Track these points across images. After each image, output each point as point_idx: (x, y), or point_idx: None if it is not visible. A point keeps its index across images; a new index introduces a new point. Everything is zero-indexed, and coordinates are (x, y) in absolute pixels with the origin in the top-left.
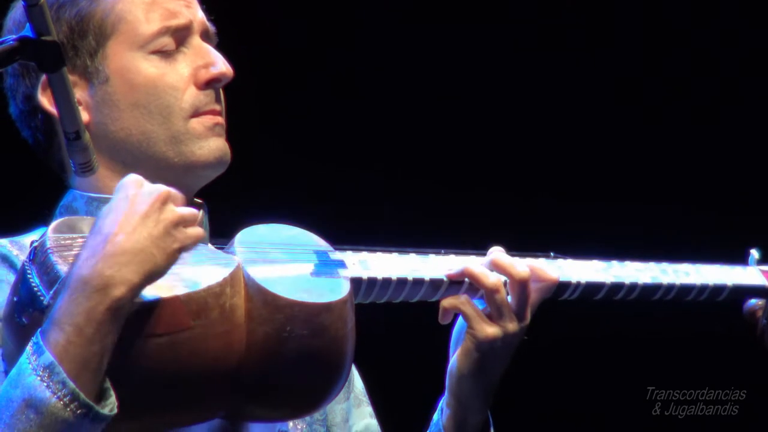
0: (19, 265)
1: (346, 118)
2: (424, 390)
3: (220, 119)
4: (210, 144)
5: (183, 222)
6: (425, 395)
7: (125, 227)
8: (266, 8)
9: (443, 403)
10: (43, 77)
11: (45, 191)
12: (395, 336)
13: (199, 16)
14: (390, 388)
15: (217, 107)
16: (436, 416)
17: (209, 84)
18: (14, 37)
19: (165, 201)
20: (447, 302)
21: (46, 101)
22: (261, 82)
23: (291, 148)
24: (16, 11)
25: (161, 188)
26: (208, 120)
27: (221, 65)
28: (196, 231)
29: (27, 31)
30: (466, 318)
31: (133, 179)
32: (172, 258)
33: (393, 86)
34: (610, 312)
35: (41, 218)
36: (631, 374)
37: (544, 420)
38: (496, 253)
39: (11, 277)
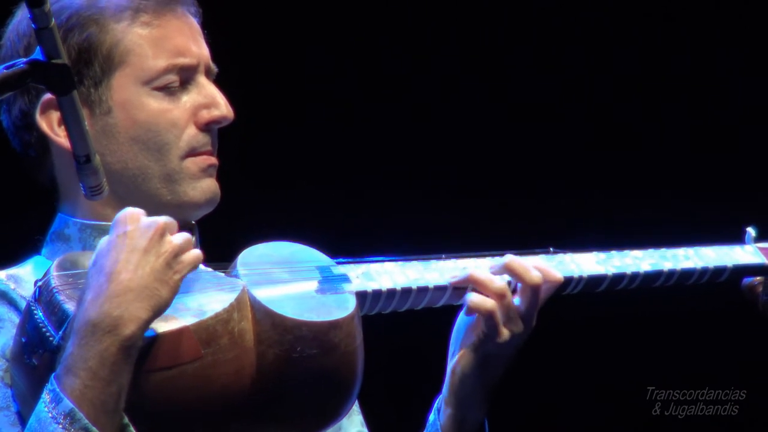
0: (18, 300)
1: (338, 128)
2: (413, 397)
3: (214, 160)
4: (202, 185)
5: (181, 251)
6: (414, 402)
7: (127, 265)
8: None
9: (441, 402)
10: (44, 98)
11: (34, 218)
12: (384, 342)
13: (204, 52)
14: (379, 394)
15: (212, 148)
16: (432, 416)
17: (209, 125)
18: (24, 60)
19: (163, 233)
20: (475, 303)
21: (45, 124)
22: (251, 90)
23: (284, 161)
24: (22, 22)
25: (158, 221)
26: (203, 161)
27: (224, 108)
28: (193, 256)
29: (37, 54)
30: (489, 322)
31: (129, 214)
32: (175, 289)
33: (384, 92)
34: (610, 312)
35: (32, 246)
36: (631, 374)
37: (543, 420)
38: (511, 257)
39: (12, 315)
